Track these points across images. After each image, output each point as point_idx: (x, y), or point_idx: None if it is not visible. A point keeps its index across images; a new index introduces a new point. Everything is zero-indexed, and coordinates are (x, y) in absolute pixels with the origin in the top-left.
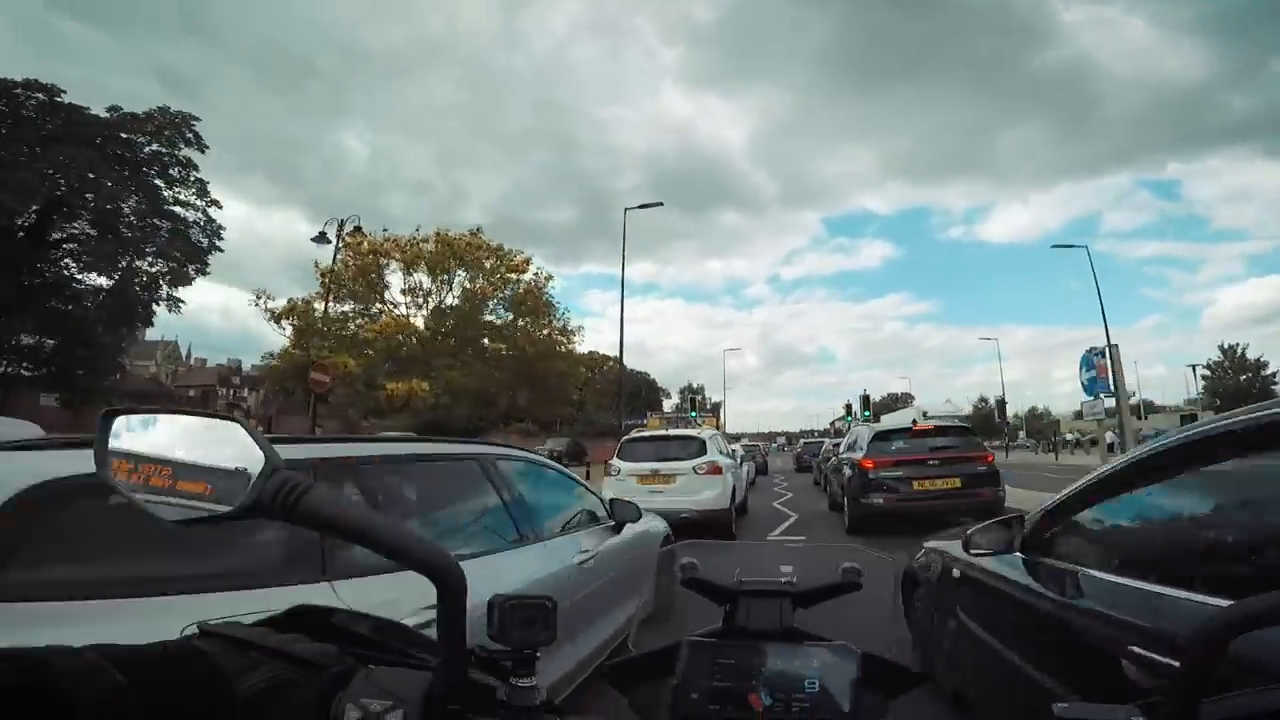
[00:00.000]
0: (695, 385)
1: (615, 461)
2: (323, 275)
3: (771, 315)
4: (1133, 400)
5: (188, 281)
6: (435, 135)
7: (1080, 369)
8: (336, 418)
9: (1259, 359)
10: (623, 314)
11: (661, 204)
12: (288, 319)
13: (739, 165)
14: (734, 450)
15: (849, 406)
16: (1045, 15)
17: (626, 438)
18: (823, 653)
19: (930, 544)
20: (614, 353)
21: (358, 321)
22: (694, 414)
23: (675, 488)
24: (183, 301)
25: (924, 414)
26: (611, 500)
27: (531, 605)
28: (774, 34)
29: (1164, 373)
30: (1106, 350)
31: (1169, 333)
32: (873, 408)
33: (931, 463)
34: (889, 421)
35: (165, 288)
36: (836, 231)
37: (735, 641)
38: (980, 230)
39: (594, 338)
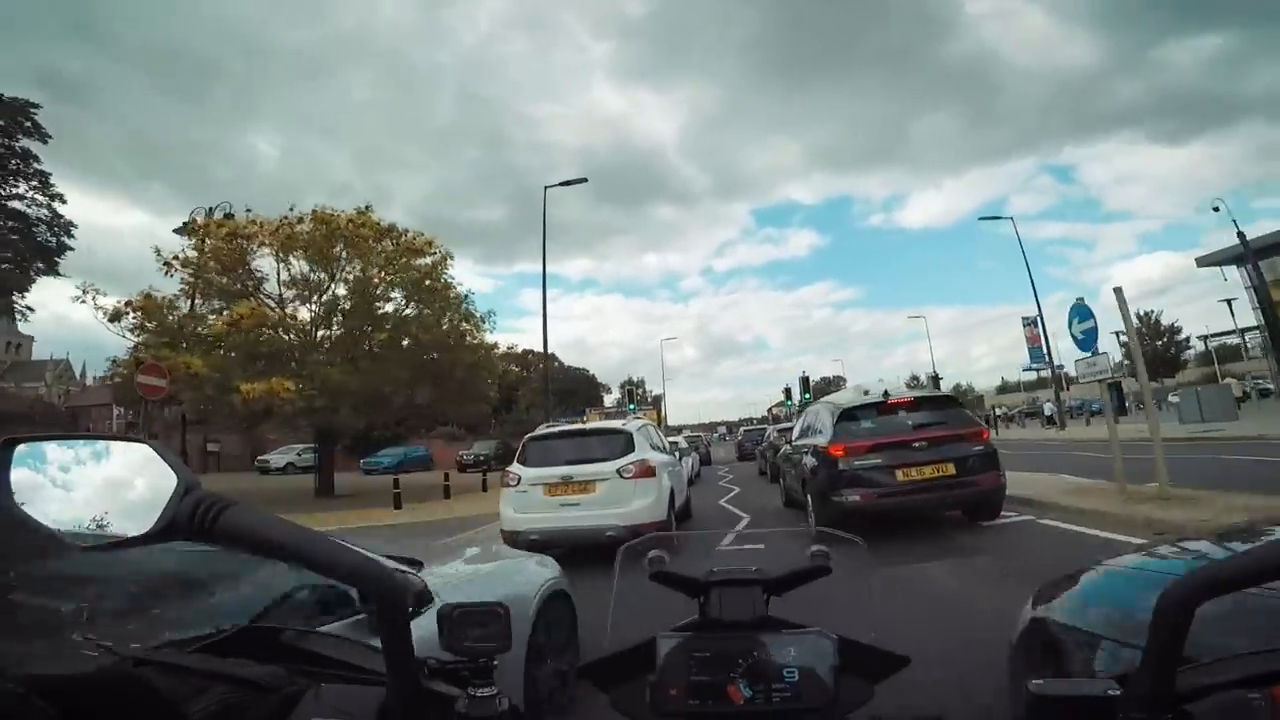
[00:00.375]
0: (635, 379)
1: (515, 468)
2: (180, 266)
3: (707, 307)
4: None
5: (27, 283)
6: (354, 135)
7: (1071, 321)
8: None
9: (1173, 324)
10: (545, 301)
11: (585, 180)
12: (130, 318)
13: (672, 159)
14: (674, 443)
15: (788, 390)
16: (952, 7)
17: (529, 436)
18: (800, 640)
19: None
20: (557, 353)
21: (213, 317)
22: (633, 407)
23: (596, 498)
24: (30, 309)
25: (865, 392)
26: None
27: (483, 612)
28: (703, 27)
29: (1071, 346)
30: (1038, 320)
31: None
32: (811, 390)
33: (917, 445)
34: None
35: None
36: (765, 222)
37: (710, 634)
38: (899, 217)
39: (531, 338)
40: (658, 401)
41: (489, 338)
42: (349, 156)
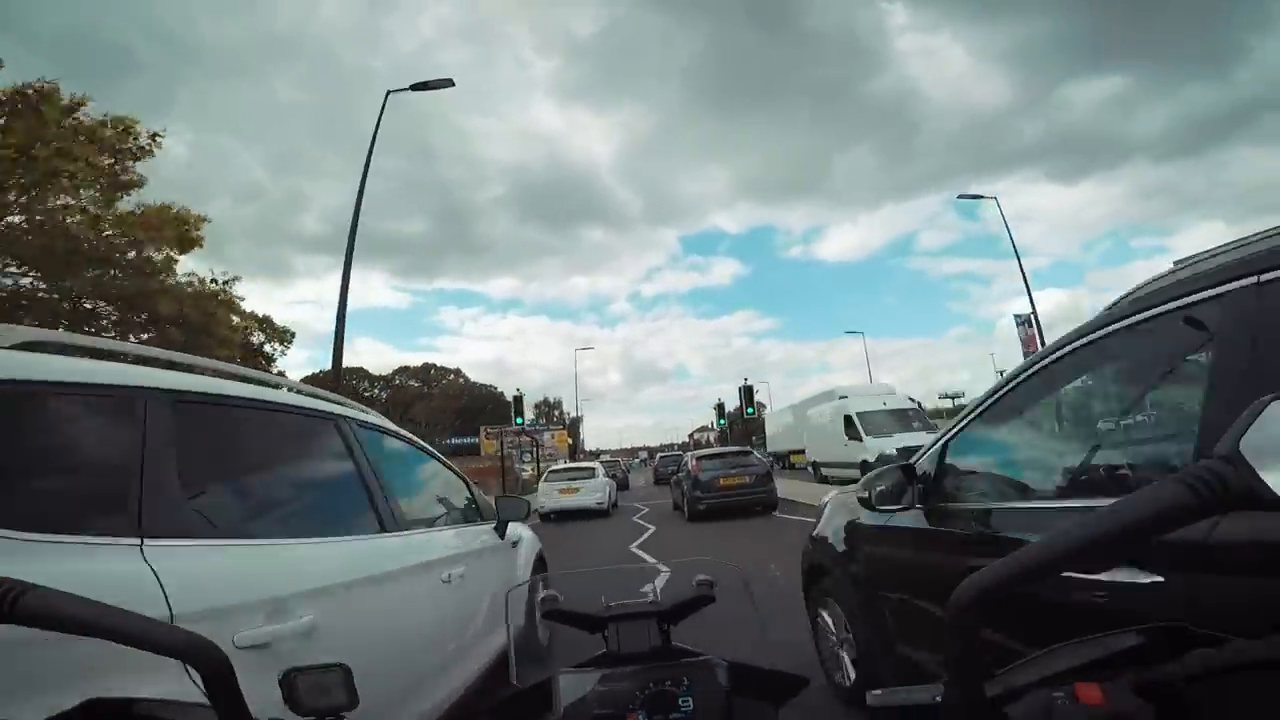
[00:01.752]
0: (552, 400)
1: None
2: None
3: (632, 332)
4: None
5: None
6: (272, 137)
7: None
8: None
9: None
10: (347, 274)
11: (451, 82)
12: None
13: (606, 181)
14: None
15: (720, 407)
16: (882, 41)
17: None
18: (693, 668)
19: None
20: (469, 371)
21: None
22: (542, 425)
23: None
24: None
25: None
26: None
27: (324, 672)
28: (647, 52)
29: (968, 378)
30: (1031, 318)
31: (971, 342)
32: (726, 416)
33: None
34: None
35: None
36: (691, 249)
37: (609, 668)
38: (817, 248)
39: (450, 358)
40: (576, 424)
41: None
42: (265, 158)
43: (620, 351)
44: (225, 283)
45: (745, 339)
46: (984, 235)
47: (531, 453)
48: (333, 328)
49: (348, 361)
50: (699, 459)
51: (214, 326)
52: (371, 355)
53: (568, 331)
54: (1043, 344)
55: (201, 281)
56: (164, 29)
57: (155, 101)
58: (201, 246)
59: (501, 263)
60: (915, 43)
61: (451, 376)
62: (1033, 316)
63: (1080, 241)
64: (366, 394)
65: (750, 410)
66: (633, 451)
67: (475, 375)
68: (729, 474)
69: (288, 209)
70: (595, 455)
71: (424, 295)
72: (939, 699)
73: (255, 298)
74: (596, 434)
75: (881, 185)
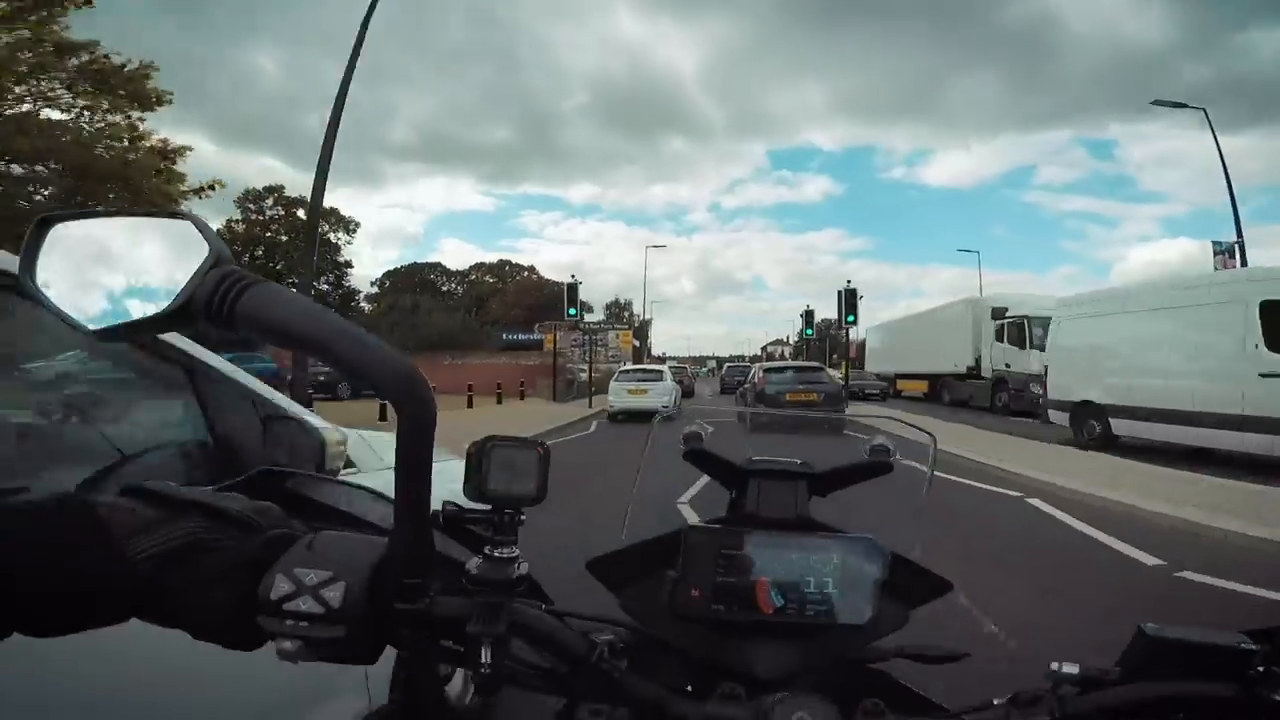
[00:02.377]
0: (623, 300)
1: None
2: None
3: (710, 242)
4: None
5: None
6: (361, 52)
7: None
8: None
9: None
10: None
11: None
12: None
13: (689, 91)
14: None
15: (809, 315)
16: None
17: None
18: (845, 548)
19: None
20: (547, 272)
21: None
22: (608, 323)
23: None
24: None
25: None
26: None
27: (516, 449)
28: None
29: None
30: (1236, 247)
31: (1078, 283)
32: (815, 325)
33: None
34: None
35: None
36: (780, 164)
37: (745, 530)
38: (921, 172)
39: (531, 258)
40: (645, 326)
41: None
42: (357, 71)
43: (696, 260)
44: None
45: (831, 257)
46: (1114, 175)
47: (592, 351)
48: (422, 230)
49: (430, 258)
50: (766, 371)
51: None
52: (459, 255)
53: (645, 238)
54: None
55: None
56: None
57: (243, 23)
58: (168, 103)
59: (582, 170)
60: None
61: (526, 273)
62: (1237, 247)
63: (1227, 194)
64: (444, 288)
65: (851, 318)
66: (700, 360)
67: (553, 277)
68: (796, 390)
69: (378, 119)
70: (661, 360)
71: (508, 200)
72: (1245, 645)
73: (350, 203)
74: (666, 339)
75: (1003, 114)
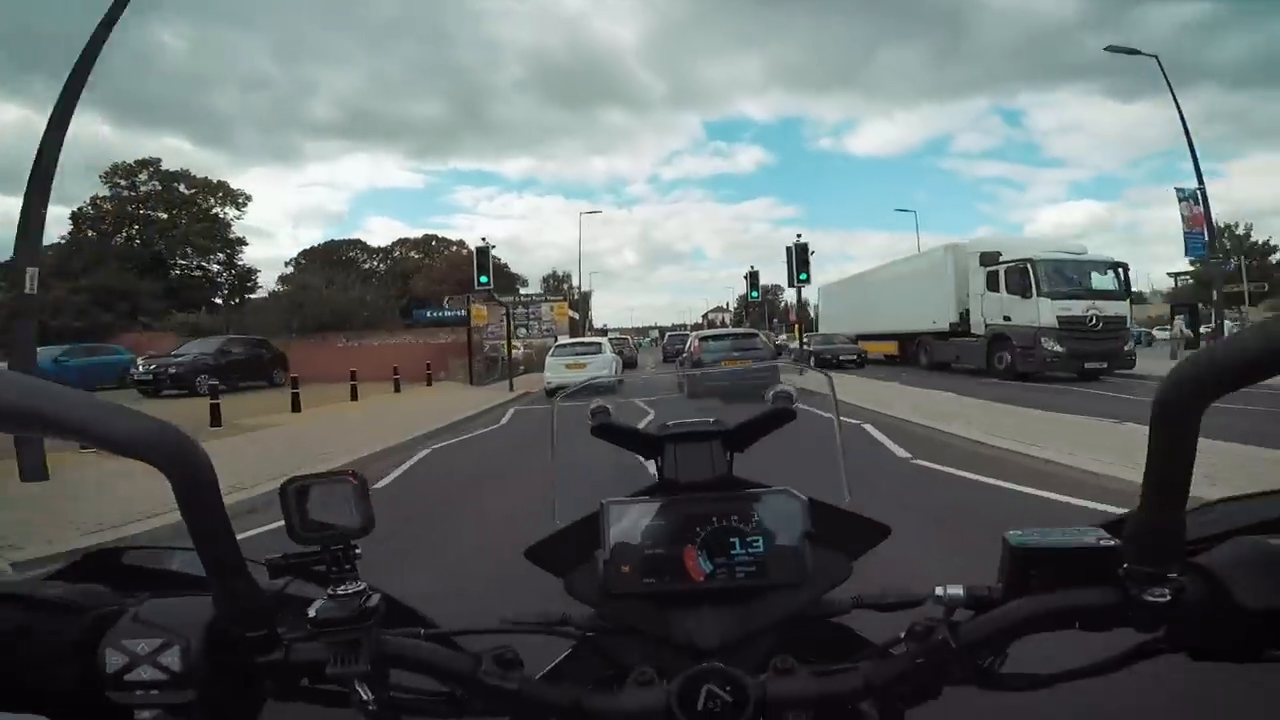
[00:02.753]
0: (561, 274)
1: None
2: None
3: (650, 213)
4: None
5: None
6: (276, 26)
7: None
8: None
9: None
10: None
11: None
12: None
13: (628, 63)
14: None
15: (753, 276)
16: None
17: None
18: (766, 502)
19: None
20: (551, 278)
21: None
22: (539, 296)
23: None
24: None
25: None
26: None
27: (331, 484)
28: None
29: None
30: (1199, 194)
31: (992, 245)
32: (760, 287)
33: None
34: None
35: None
36: (716, 135)
37: (665, 500)
38: (848, 142)
39: (462, 235)
40: (585, 299)
41: None
42: (269, 48)
43: (638, 232)
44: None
45: (765, 225)
46: (1024, 142)
47: (527, 327)
48: (346, 208)
49: (354, 235)
50: (702, 339)
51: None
52: (387, 233)
53: (584, 210)
54: (1210, 224)
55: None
56: None
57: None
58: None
59: (518, 144)
60: None
61: (454, 248)
62: (1199, 193)
63: (1127, 158)
64: (364, 264)
65: (804, 275)
66: (643, 331)
67: (495, 253)
68: (731, 356)
69: (297, 95)
70: (602, 332)
71: (439, 176)
72: (1104, 542)
73: (266, 182)
74: (609, 311)
75: (924, 84)
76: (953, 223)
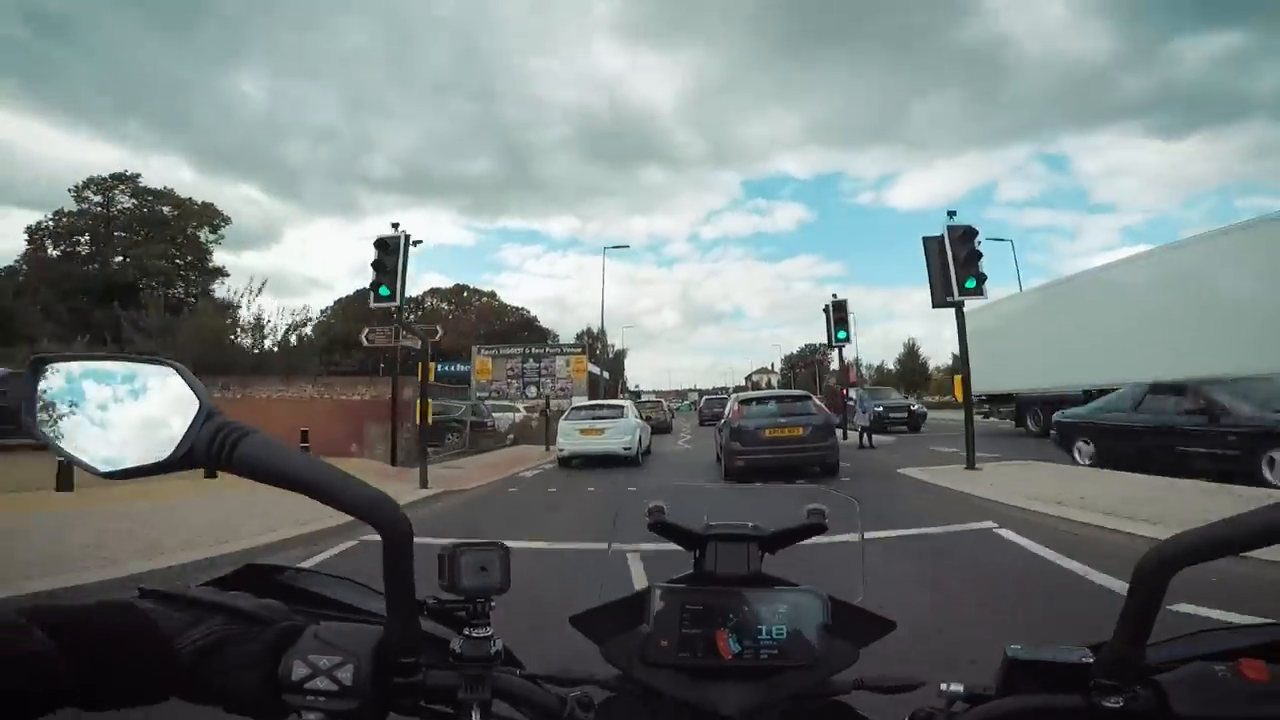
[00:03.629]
0: (595, 331)
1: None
2: None
3: (691, 273)
4: None
5: None
6: (344, 82)
7: None
8: None
9: None
10: None
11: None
12: None
13: (667, 122)
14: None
15: (838, 308)
16: None
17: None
18: (790, 597)
19: None
20: (533, 307)
21: None
22: (553, 348)
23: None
24: None
25: None
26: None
27: (483, 551)
28: None
29: None
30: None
31: None
32: (791, 361)
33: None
34: None
35: None
36: (755, 193)
37: (703, 587)
38: (889, 195)
39: (510, 294)
40: (619, 358)
41: None
42: (337, 102)
43: (678, 293)
44: None
45: (807, 283)
46: (1071, 188)
47: (538, 384)
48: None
49: (410, 292)
50: (742, 403)
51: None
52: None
53: (626, 271)
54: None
55: None
56: None
57: (232, 47)
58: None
59: (562, 202)
60: None
61: (485, 299)
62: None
63: (1180, 198)
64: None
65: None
66: (681, 393)
67: (538, 311)
68: (778, 424)
69: (359, 150)
70: (636, 395)
71: (488, 233)
72: (1085, 659)
73: (329, 234)
74: (649, 373)
75: (964, 133)
76: (1004, 275)
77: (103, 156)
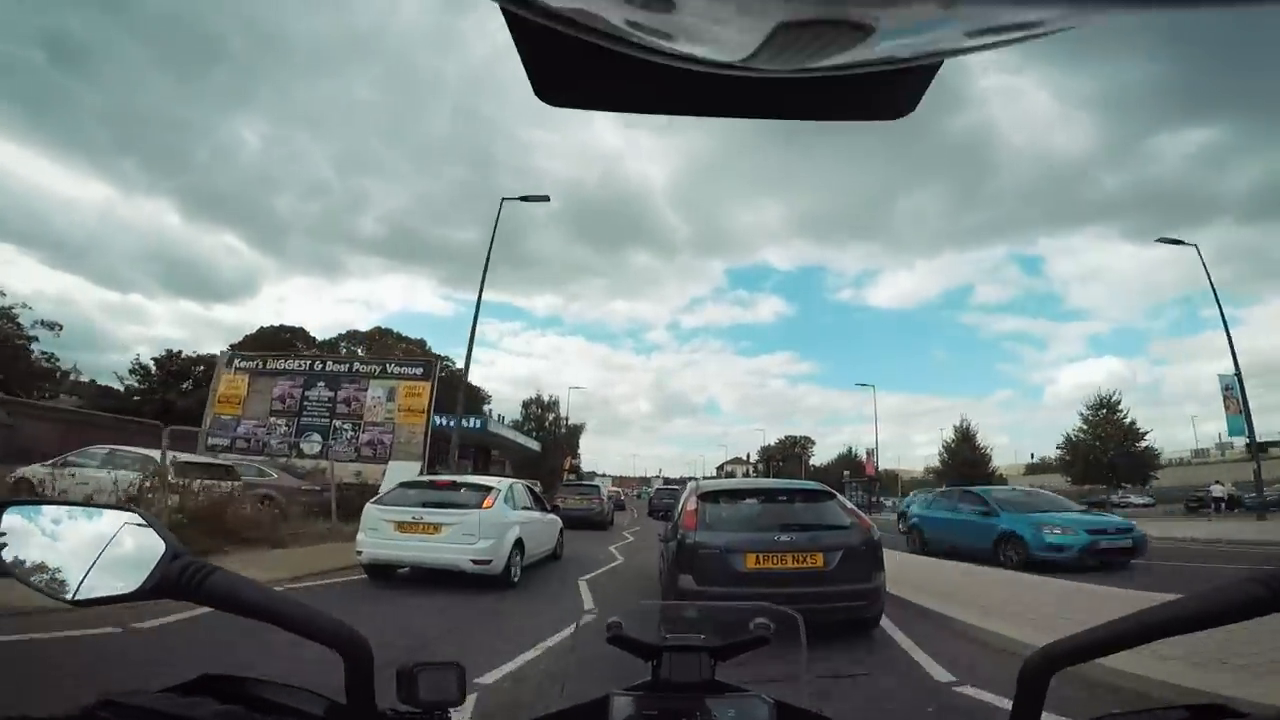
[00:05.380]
0: (547, 399)
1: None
2: None
3: (668, 362)
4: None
5: None
6: (342, 135)
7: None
8: None
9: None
10: None
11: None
12: None
13: (657, 204)
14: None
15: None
16: (965, 78)
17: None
18: (740, 703)
19: None
20: (507, 387)
21: None
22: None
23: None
24: None
25: None
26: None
27: (440, 669)
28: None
29: (1006, 442)
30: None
31: (1014, 409)
32: (768, 453)
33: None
34: None
35: None
36: (738, 283)
37: (659, 694)
38: (868, 293)
39: (488, 370)
40: (574, 433)
41: None
42: (333, 156)
43: (653, 381)
44: None
45: (781, 381)
46: (1044, 293)
47: (326, 431)
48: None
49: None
50: (704, 498)
51: None
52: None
53: (604, 355)
54: (1245, 406)
55: None
56: (253, 20)
57: (237, 92)
58: None
59: (546, 279)
60: (998, 82)
61: (410, 346)
62: (1236, 379)
63: (1146, 307)
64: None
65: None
66: (646, 480)
67: (511, 390)
68: (775, 544)
69: (350, 208)
70: (575, 473)
71: (467, 305)
72: None
73: (306, 293)
74: (619, 459)
75: (943, 231)
76: (973, 384)
77: (93, 193)
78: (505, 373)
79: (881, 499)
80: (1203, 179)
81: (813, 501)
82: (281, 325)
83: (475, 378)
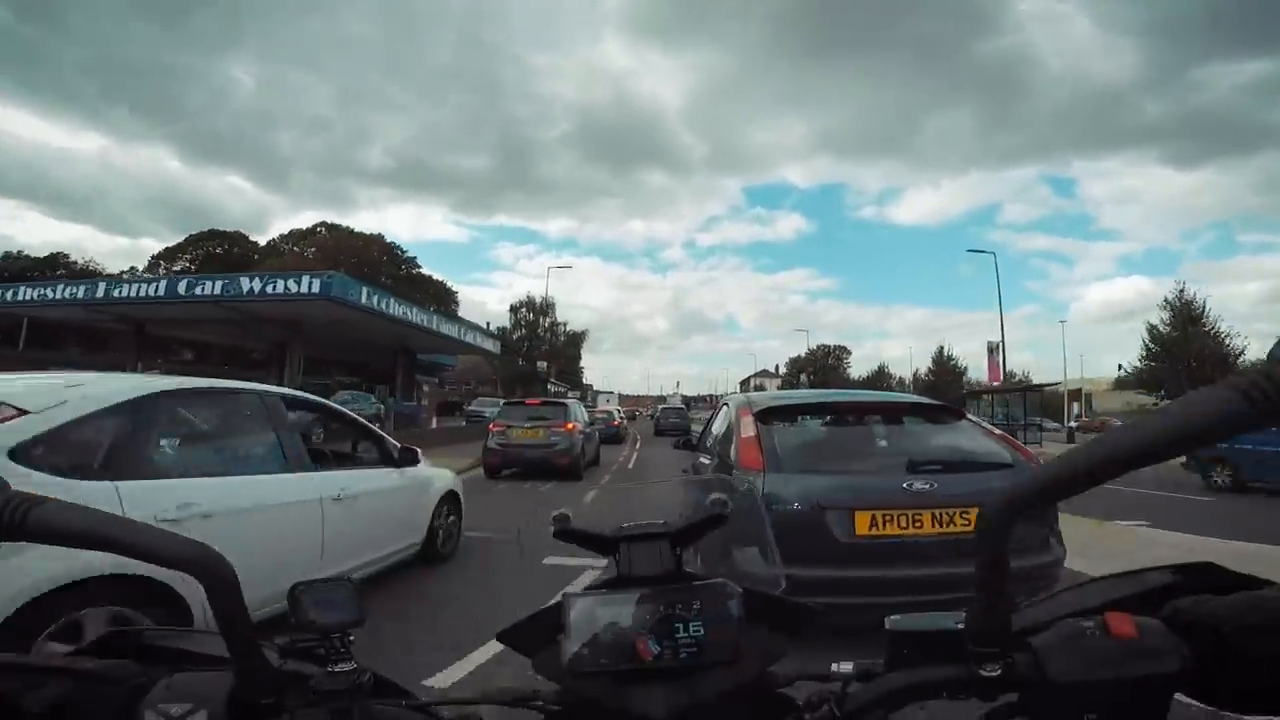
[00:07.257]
0: (539, 301)
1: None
2: None
3: (685, 280)
4: None
5: None
6: (340, 71)
7: None
8: None
9: None
10: None
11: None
12: None
13: (672, 124)
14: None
15: None
16: (1000, 2)
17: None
18: (705, 592)
19: None
20: (524, 308)
21: None
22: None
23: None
24: None
25: None
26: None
27: (330, 587)
28: None
29: (1030, 358)
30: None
31: (1038, 323)
32: (798, 365)
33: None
34: None
35: None
36: (756, 201)
37: (618, 591)
38: (891, 211)
39: (504, 292)
40: (575, 340)
41: None
42: (332, 92)
43: (670, 299)
44: None
45: (801, 297)
46: (1076, 214)
47: None
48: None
49: None
50: (764, 415)
51: None
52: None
53: (620, 275)
54: (1004, 372)
55: None
56: None
57: (224, 33)
58: None
59: (560, 202)
60: (1037, 6)
61: (361, 244)
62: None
63: (1180, 230)
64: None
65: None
66: (662, 399)
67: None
68: (902, 494)
69: (353, 142)
70: (563, 391)
71: (482, 230)
72: (959, 625)
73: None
74: (636, 378)
75: (973, 151)
76: (995, 299)
77: (88, 144)
78: (521, 292)
79: (1040, 421)
80: (1253, 108)
81: (937, 423)
82: (223, 230)
83: (491, 300)
